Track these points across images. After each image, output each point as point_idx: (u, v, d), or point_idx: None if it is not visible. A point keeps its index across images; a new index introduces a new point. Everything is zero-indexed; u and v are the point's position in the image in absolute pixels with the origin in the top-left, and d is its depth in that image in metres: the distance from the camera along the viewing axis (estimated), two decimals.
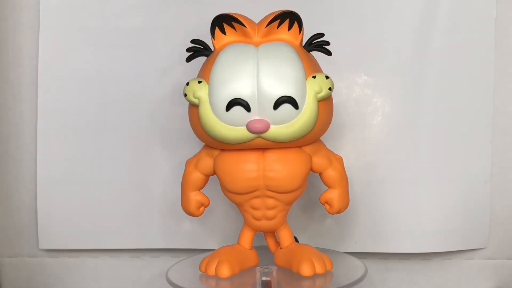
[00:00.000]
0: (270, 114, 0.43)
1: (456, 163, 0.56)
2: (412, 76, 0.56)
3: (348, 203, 0.48)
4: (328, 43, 0.46)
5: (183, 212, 0.48)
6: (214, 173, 0.47)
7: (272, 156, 0.45)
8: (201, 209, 0.48)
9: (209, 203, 0.49)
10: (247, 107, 0.43)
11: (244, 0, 0.55)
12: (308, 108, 0.43)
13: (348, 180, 0.48)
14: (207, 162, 0.47)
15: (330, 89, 0.44)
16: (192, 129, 0.47)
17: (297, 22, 0.45)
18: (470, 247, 0.58)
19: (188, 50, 0.46)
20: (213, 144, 0.46)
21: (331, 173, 0.47)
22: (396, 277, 0.59)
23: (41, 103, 0.57)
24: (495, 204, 0.57)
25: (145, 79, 0.56)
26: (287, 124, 0.43)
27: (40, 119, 0.57)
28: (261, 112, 0.43)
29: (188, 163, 0.48)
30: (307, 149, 0.46)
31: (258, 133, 0.43)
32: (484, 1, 0.56)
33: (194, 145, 0.56)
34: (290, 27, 0.45)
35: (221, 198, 0.55)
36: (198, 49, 0.46)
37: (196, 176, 0.47)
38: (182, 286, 0.44)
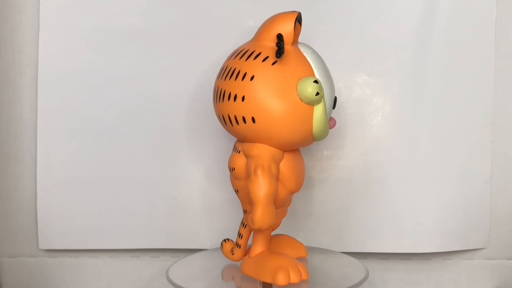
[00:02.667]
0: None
1: (456, 163, 0.56)
2: (412, 76, 0.56)
3: None
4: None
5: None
6: None
7: (298, 152, 0.46)
8: None
9: None
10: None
11: (244, 0, 0.56)
12: None
13: None
14: (277, 166, 0.43)
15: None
16: (273, 129, 0.42)
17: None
18: (470, 247, 0.58)
19: (279, 45, 0.41)
20: (285, 146, 0.43)
21: None
22: (396, 277, 0.59)
23: (41, 103, 0.57)
24: (495, 204, 0.57)
25: (144, 79, 0.56)
26: None
27: (40, 119, 0.57)
28: None
29: (267, 173, 0.42)
30: None
31: (332, 128, 0.45)
32: (484, 1, 0.56)
33: (196, 145, 0.56)
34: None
35: (223, 198, 0.56)
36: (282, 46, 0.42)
37: (277, 184, 0.43)
38: (182, 286, 0.44)
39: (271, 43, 0.42)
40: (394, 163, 0.56)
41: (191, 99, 0.56)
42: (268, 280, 0.42)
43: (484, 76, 0.56)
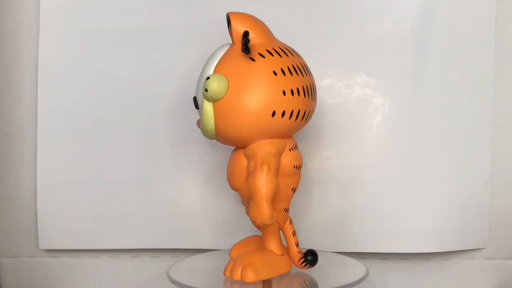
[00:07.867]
0: None
1: (456, 163, 0.56)
2: (412, 76, 0.56)
3: None
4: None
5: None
6: None
7: None
8: None
9: None
10: None
11: (244, 0, 0.55)
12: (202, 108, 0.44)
13: None
14: None
15: (206, 90, 0.42)
16: None
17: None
18: (470, 247, 0.58)
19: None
20: None
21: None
22: (396, 277, 0.59)
23: (41, 103, 0.57)
24: (495, 204, 0.57)
25: (144, 79, 0.56)
26: None
27: (40, 119, 0.57)
28: None
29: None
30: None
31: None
32: (484, 1, 0.56)
33: (196, 145, 0.56)
34: None
35: (223, 198, 0.56)
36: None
37: None
38: (183, 283, 0.44)
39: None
40: (394, 163, 0.56)
41: (191, 99, 0.56)
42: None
43: (484, 76, 0.56)
